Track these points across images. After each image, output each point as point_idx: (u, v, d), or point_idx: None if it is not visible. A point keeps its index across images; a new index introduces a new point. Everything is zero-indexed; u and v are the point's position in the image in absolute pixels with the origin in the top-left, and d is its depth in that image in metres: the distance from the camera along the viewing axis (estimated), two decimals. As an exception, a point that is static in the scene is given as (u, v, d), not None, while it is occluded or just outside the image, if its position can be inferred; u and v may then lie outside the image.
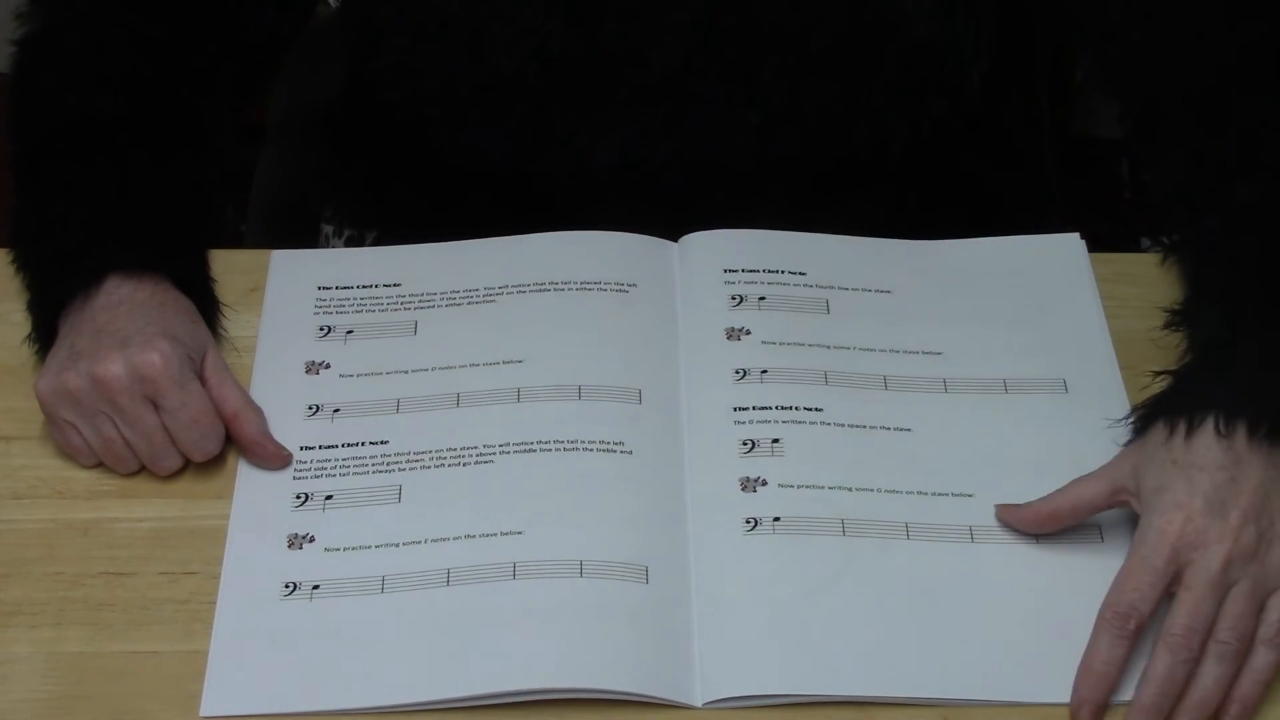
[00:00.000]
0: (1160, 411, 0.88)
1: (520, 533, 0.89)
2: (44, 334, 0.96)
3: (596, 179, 1.06)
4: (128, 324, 0.92)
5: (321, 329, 1.00)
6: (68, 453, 0.93)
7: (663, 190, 1.06)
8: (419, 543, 0.89)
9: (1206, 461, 0.85)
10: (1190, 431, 0.86)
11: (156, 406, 0.91)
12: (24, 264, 0.99)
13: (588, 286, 1.01)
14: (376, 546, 0.89)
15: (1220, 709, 0.84)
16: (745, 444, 0.93)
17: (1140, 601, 0.84)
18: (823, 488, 0.91)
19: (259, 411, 0.94)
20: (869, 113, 1.04)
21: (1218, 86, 0.97)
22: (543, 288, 1.02)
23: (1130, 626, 0.84)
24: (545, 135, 1.06)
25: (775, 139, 1.05)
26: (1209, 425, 0.86)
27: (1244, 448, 0.85)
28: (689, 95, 1.04)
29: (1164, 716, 0.83)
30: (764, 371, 0.97)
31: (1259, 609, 0.84)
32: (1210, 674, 0.83)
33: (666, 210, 1.05)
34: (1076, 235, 1.06)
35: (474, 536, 0.89)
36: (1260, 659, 0.84)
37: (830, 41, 1.02)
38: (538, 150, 1.07)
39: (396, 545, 0.89)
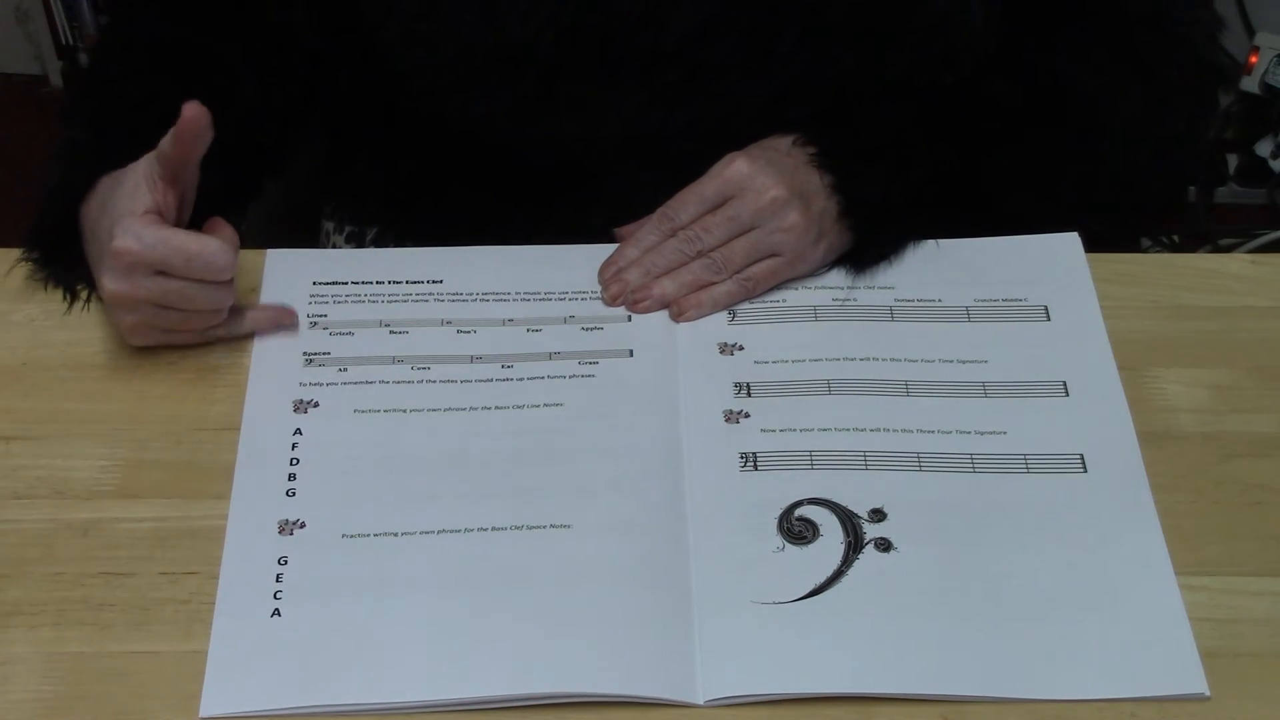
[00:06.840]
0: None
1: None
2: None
3: (605, 147, 1.05)
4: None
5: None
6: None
7: (672, 159, 1.04)
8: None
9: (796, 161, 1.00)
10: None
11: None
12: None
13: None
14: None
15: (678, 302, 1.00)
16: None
17: (681, 210, 1.00)
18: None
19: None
20: (881, 86, 1.04)
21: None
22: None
23: (666, 226, 1.00)
24: (555, 102, 1.05)
25: (787, 109, 1.04)
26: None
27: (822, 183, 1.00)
28: (703, 63, 1.03)
29: (641, 253, 1.00)
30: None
31: (751, 257, 1.00)
32: (691, 269, 1.00)
33: (675, 180, 1.03)
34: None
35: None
36: (724, 286, 1.00)
37: (849, 13, 1.02)
38: (546, 117, 1.05)
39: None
